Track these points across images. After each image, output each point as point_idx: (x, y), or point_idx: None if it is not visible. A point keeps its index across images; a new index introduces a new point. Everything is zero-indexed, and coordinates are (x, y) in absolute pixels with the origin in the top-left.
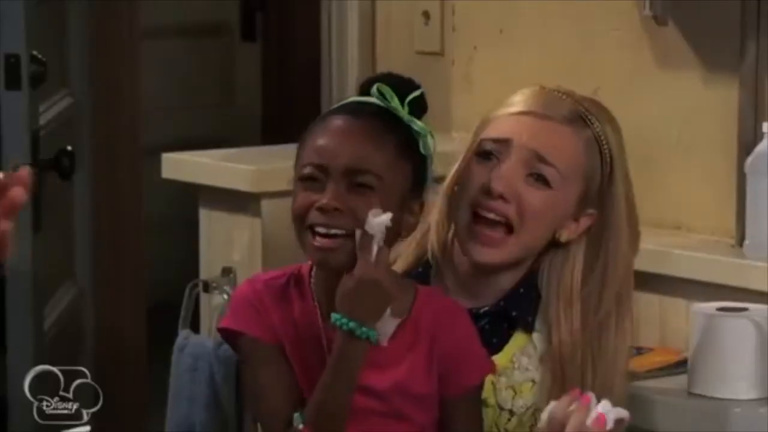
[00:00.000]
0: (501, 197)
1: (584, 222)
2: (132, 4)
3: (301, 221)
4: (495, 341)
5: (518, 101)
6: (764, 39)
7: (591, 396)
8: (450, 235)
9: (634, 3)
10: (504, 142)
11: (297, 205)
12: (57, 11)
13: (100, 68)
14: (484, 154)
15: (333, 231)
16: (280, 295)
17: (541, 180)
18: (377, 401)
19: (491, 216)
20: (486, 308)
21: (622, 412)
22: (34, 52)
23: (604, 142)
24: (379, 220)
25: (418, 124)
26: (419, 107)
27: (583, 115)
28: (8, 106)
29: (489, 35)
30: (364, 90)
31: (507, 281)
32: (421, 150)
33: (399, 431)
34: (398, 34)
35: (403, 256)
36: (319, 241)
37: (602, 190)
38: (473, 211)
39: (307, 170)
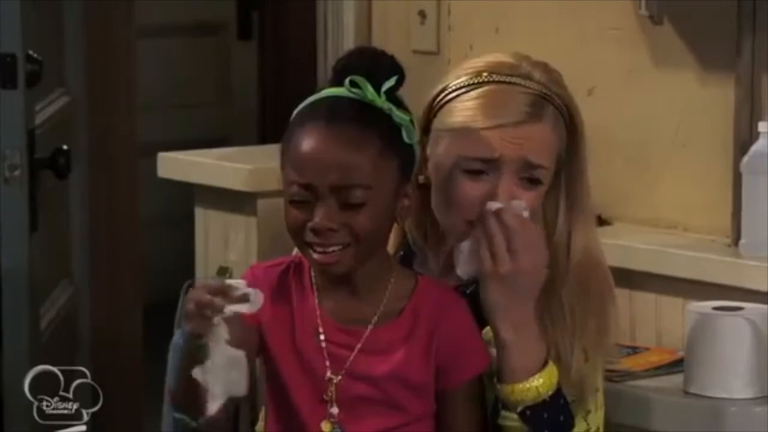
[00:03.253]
0: None
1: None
2: (128, 3)
3: (298, 238)
4: (482, 315)
5: (479, 113)
6: (760, 37)
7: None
8: (429, 224)
9: (630, 2)
10: (494, 162)
11: (290, 223)
12: (53, 10)
13: (97, 67)
14: (474, 171)
15: (330, 249)
16: (278, 282)
17: (534, 181)
18: (371, 388)
19: None
20: (473, 287)
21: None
22: (30, 51)
23: (563, 108)
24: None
25: (397, 115)
26: (396, 91)
27: (542, 95)
28: (4, 105)
29: (485, 35)
30: (338, 76)
31: None
32: (405, 139)
33: (394, 422)
34: (394, 34)
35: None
36: (319, 258)
37: (568, 154)
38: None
39: (294, 190)
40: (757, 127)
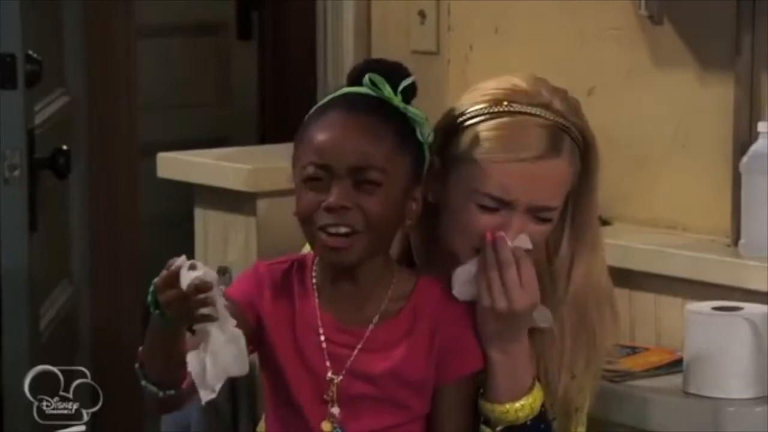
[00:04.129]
0: None
1: None
2: (128, 3)
3: (309, 222)
4: None
5: (498, 147)
6: (759, 37)
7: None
8: (433, 241)
9: (630, 2)
10: (508, 203)
11: (303, 206)
12: (52, 10)
13: (96, 67)
14: (487, 207)
15: (343, 229)
16: (281, 281)
17: (545, 220)
18: (371, 386)
19: None
20: None
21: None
22: (30, 52)
23: (579, 139)
24: (190, 275)
25: (412, 112)
26: (412, 93)
27: (561, 126)
28: (4, 105)
29: (485, 35)
30: (355, 79)
31: None
32: (419, 137)
33: (395, 420)
34: (394, 34)
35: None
36: (330, 241)
37: (579, 175)
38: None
39: (310, 170)
40: (756, 127)
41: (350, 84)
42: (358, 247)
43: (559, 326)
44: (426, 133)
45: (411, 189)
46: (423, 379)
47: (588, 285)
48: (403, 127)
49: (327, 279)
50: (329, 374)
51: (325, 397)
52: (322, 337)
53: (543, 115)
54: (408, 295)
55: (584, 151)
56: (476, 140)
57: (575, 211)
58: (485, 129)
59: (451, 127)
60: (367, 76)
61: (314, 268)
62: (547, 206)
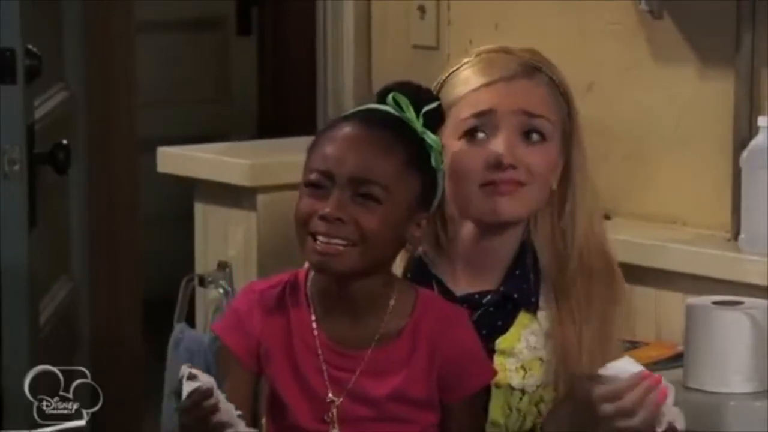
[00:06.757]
0: (511, 166)
1: (560, 164)
2: None
3: (304, 227)
4: (500, 323)
5: (474, 76)
6: (759, 32)
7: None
8: (440, 226)
9: None
10: (488, 113)
11: (300, 210)
12: (52, 5)
13: (96, 62)
14: (471, 132)
15: (334, 241)
16: (275, 306)
17: (537, 135)
18: (371, 408)
19: (506, 186)
20: (488, 297)
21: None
22: (30, 46)
23: (558, 84)
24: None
25: (431, 137)
26: (435, 119)
27: (533, 64)
28: (3, 100)
29: (484, 30)
30: (382, 98)
31: (506, 252)
32: (432, 164)
33: None
34: (394, 29)
35: (396, 261)
36: (319, 246)
37: (569, 130)
38: (482, 185)
39: (313, 176)
40: (756, 121)
41: (378, 101)
42: (347, 258)
43: (576, 301)
44: (440, 162)
45: (415, 214)
46: (426, 396)
47: (591, 245)
48: (417, 150)
49: (321, 297)
50: (329, 395)
51: (325, 418)
52: (321, 358)
53: (520, 55)
54: (409, 313)
55: (568, 105)
56: (457, 81)
57: (568, 167)
58: (464, 69)
59: (436, 90)
60: (391, 95)
61: (308, 284)
62: (531, 112)
